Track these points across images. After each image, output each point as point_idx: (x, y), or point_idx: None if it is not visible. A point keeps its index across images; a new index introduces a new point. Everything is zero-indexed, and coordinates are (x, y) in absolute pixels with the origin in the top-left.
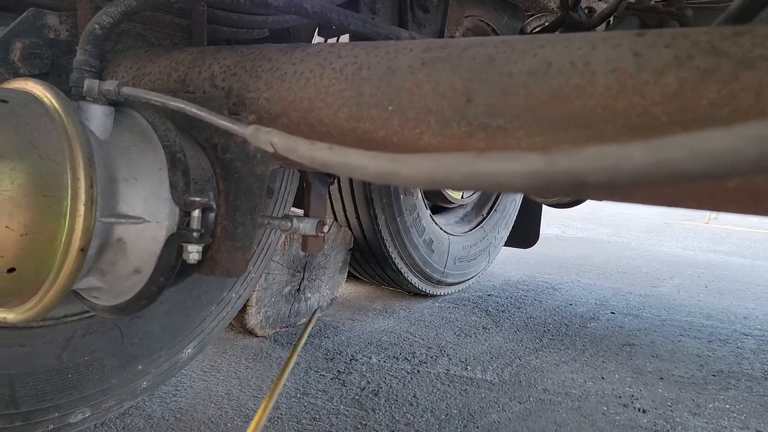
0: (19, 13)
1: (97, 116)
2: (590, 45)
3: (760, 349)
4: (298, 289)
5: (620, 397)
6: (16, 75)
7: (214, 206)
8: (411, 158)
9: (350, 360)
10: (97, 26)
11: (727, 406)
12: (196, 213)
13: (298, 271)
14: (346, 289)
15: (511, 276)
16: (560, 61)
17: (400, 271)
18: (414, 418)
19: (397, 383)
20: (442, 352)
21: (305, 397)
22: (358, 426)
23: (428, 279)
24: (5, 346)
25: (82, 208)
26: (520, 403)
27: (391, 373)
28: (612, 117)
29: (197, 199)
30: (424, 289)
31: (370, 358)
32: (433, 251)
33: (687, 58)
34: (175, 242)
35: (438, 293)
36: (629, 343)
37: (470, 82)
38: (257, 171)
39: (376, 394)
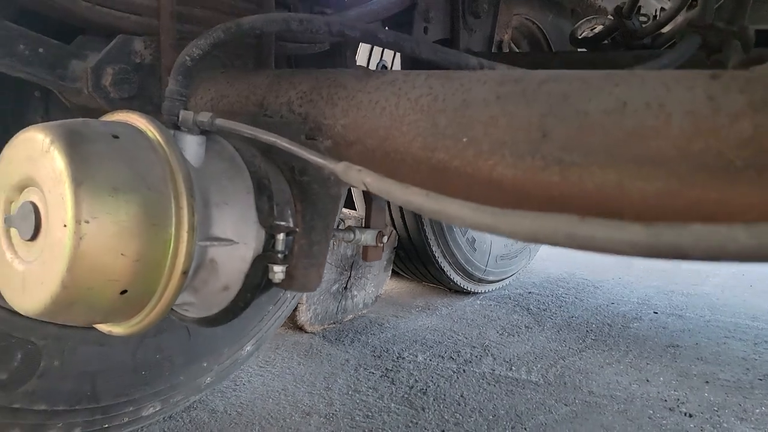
0: (101, 36)
1: (191, 145)
2: (665, 86)
3: None
4: (345, 287)
5: (666, 400)
6: (107, 99)
7: (297, 229)
8: (513, 215)
9: (397, 358)
10: (187, 58)
11: None
12: (281, 236)
13: (346, 270)
14: (389, 286)
15: (551, 273)
16: (636, 102)
17: (443, 270)
18: (463, 418)
19: (444, 382)
20: (487, 351)
21: (357, 395)
22: (409, 424)
23: (470, 277)
24: (88, 345)
25: (185, 235)
26: (566, 405)
27: (437, 372)
28: (686, 158)
29: (283, 223)
30: (465, 287)
31: (417, 357)
32: (476, 249)
33: (762, 105)
34: (261, 262)
35: (479, 291)
36: (673, 344)
37: (546, 118)
38: (332, 192)
39: (424, 393)
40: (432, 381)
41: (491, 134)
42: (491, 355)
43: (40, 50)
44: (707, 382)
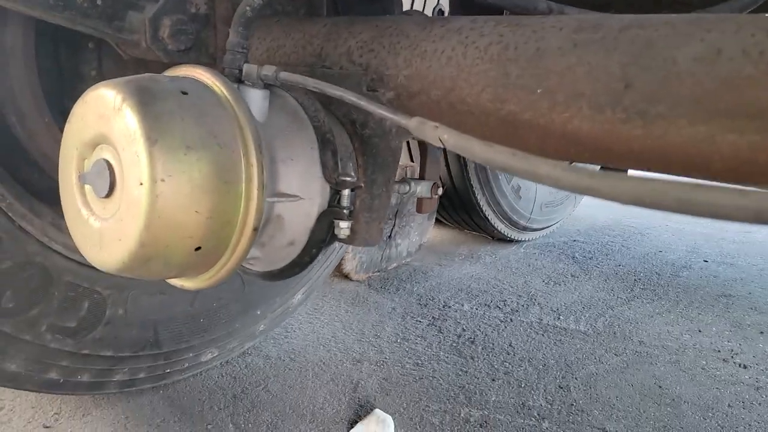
0: None
1: (256, 100)
2: (764, 32)
3: None
4: (390, 236)
5: (719, 351)
6: (165, 51)
7: (361, 185)
8: (614, 178)
9: (443, 306)
10: (248, 8)
11: None
12: (346, 191)
13: (390, 219)
14: (432, 234)
15: (596, 220)
16: (731, 49)
17: (487, 218)
18: (512, 366)
19: (492, 331)
20: (533, 300)
21: (405, 343)
22: (459, 373)
23: (514, 225)
24: (149, 295)
25: (255, 192)
26: (616, 355)
27: (484, 321)
28: None
29: (348, 178)
30: (509, 235)
31: (462, 305)
32: (521, 197)
33: None
34: (326, 218)
35: (522, 239)
36: (725, 294)
37: (628, 67)
38: (392, 145)
39: (472, 342)
40: (479, 330)
41: (567, 85)
42: (538, 304)
43: (98, 2)
44: (762, 332)
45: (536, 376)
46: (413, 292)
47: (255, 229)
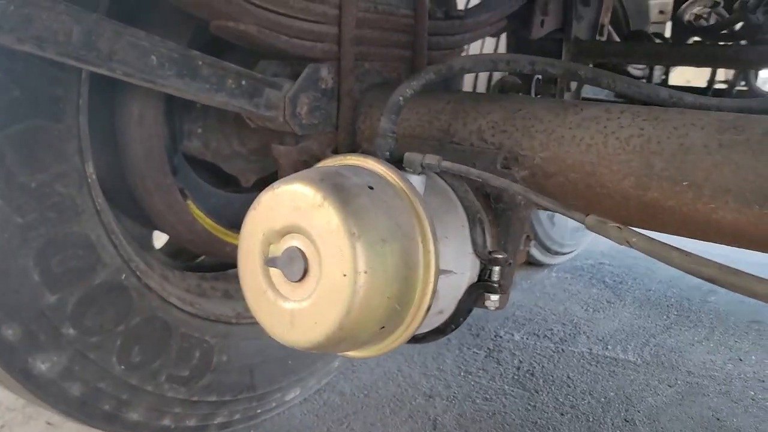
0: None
1: (417, 185)
2: None
3: None
4: None
5: (763, 381)
6: (300, 125)
7: (511, 261)
8: None
9: (495, 336)
10: (401, 98)
11: None
12: (497, 267)
13: None
14: None
15: None
16: None
17: None
18: (576, 400)
19: (547, 363)
20: (578, 329)
21: (469, 376)
22: (528, 407)
23: (547, 250)
24: (248, 341)
25: (432, 277)
26: (669, 386)
27: (538, 352)
28: None
29: (500, 256)
30: (540, 260)
31: (513, 335)
32: (554, 224)
33: None
34: (476, 290)
35: (552, 263)
36: (755, 320)
37: None
38: (520, 215)
39: (532, 374)
40: (535, 361)
41: (714, 180)
42: (583, 333)
43: (243, 83)
44: None
45: (601, 410)
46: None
47: (428, 309)
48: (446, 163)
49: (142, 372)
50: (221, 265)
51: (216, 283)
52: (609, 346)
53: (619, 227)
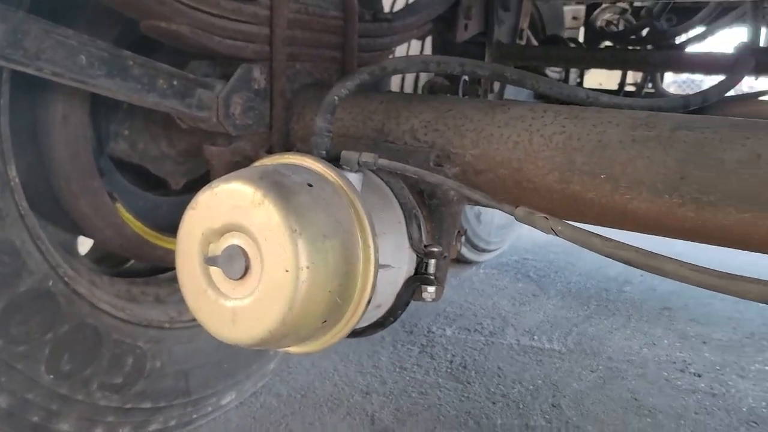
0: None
1: (354, 183)
2: None
3: None
4: None
5: (675, 362)
6: (233, 126)
7: (446, 254)
8: (743, 281)
9: (428, 332)
10: (336, 98)
11: (766, 368)
12: (433, 260)
13: None
14: None
15: (538, 237)
16: None
17: None
18: (507, 389)
19: (479, 355)
20: (506, 322)
21: (404, 372)
22: (462, 399)
23: (475, 248)
24: (182, 344)
25: (372, 270)
26: (592, 372)
27: (469, 345)
28: None
29: (436, 249)
30: (468, 258)
31: (445, 330)
32: (481, 222)
33: None
34: (413, 283)
35: (479, 260)
36: (666, 306)
37: (684, 163)
38: (453, 211)
39: (465, 367)
40: (467, 354)
41: (629, 173)
42: (511, 325)
43: (174, 83)
44: (705, 342)
45: (530, 397)
46: None
47: (369, 302)
48: (383, 161)
49: (72, 381)
50: (151, 270)
51: (147, 287)
52: (535, 337)
53: (545, 217)
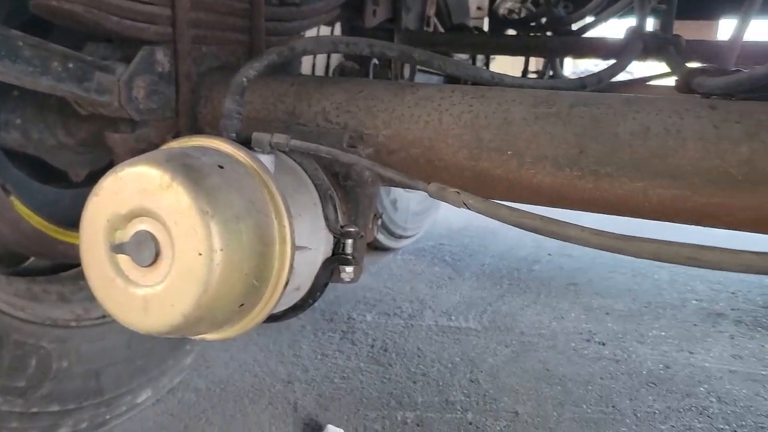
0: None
1: (266, 164)
2: (678, 115)
3: (673, 279)
4: None
5: (581, 333)
6: (137, 110)
7: (362, 234)
8: (638, 241)
9: (348, 319)
10: (244, 79)
11: (662, 333)
12: (350, 240)
13: None
14: None
15: (452, 223)
16: (657, 127)
17: None
18: (426, 368)
19: (399, 338)
20: (424, 305)
21: (326, 358)
22: (384, 380)
23: (392, 234)
24: (90, 343)
25: (288, 251)
26: (506, 346)
27: (389, 329)
28: (698, 173)
29: (352, 229)
30: (386, 245)
31: (365, 316)
32: (397, 209)
33: (755, 134)
34: (331, 264)
35: (397, 246)
36: (572, 282)
37: (582, 138)
38: (368, 192)
39: (385, 350)
40: (388, 338)
41: (533, 149)
42: (429, 308)
43: (70, 65)
44: (607, 313)
45: (449, 374)
46: (315, 308)
47: (286, 284)
48: (295, 142)
49: None
50: (52, 267)
51: (49, 286)
52: (452, 317)
53: (457, 192)
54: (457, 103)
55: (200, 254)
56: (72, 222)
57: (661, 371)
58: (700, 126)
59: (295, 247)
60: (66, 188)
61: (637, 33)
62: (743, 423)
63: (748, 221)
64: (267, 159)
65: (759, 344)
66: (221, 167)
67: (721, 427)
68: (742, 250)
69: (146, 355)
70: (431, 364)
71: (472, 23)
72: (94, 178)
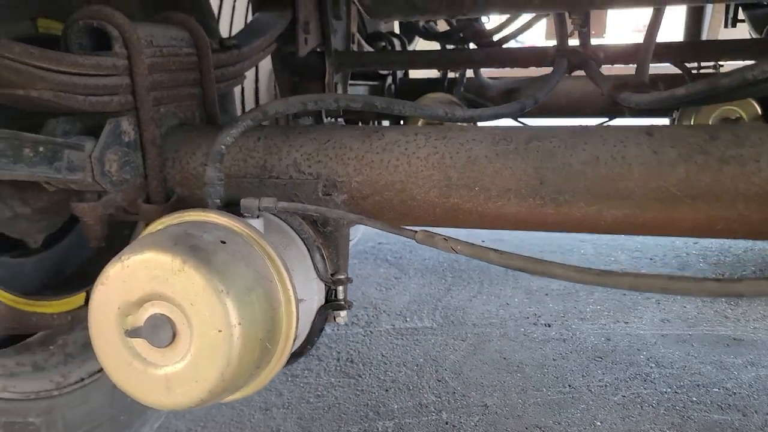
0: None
1: (258, 228)
2: (621, 143)
3: (598, 252)
4: None
5: (528, 318)
6: (111, 183)
7: (351, 279)
8: (616, 275)
9: None
10: (223, 147)
11: (599, 307)
12: (341, 287)
13: None
14: None
15: None
16: (605, 156)
17: None
18: (395, 374)
19: (362, 347)
20: (378, 309)
21: (297, 380)
22: (357, 392)
23: None
24: (74, 408)
25: (293, 309)
26: (462, 340)
27: (351, 339)
28: (645, 193)
29: (342, 276)
30: None
31: (325, 330)
32: None
33: (687, 156)
34: (325, 312)
35: None
36: None
37: (540, 170)
38: (344, 233)
39: (352, 362)
40: (351, 348)
41: (498, 183)
42: (384, 312)
43: (41, 149)
44: (546, 294)
45: (416, 377)
46: None
47: (295, 338)
48: (282, 204)
49: None
50: (14, 338)
51: (20, 357)
52: (407, 318)
53: (445, 238)
54: (422, 146)
55: (220, 331)
56: (36, 290)
57: (604, 344)
58: (641, 152)
59: (298, 305)
60: (24, 256)
61: (560, 51)
62: (681, 384)
63: (689, 229)
64: (257, 223)
65: (681, 306)
66: (223, 242)
67: (664, 390)
68: (705, 278)
69: (128, 410)
70: (398, 369)
71: (383, 28)
72: (51, 242)
